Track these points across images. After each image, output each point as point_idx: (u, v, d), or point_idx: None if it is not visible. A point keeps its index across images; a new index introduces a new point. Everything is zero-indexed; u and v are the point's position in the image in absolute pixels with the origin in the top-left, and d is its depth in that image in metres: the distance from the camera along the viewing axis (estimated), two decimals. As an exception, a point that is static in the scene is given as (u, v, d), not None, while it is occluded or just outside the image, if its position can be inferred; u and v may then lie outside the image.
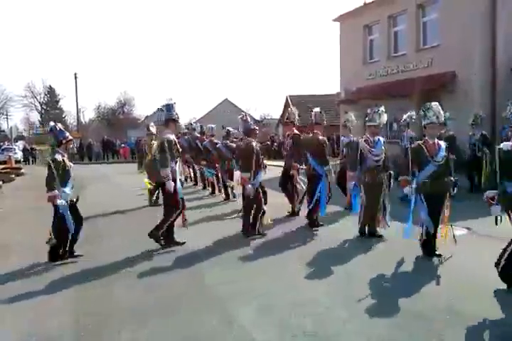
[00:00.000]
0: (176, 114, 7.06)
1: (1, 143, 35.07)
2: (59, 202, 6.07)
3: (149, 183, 10.43)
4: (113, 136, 39.04)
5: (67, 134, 6.57)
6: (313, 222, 8.04)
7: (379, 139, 7.17)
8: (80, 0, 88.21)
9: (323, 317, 4.28)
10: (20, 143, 37.94)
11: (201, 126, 14.48)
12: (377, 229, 7.19)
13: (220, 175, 12.12)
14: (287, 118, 9.47)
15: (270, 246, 6.97)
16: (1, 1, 70.55)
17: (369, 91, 19.96)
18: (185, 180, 16.24)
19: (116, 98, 58.21)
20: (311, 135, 8.22)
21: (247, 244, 7.07)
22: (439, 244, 6.01)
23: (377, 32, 20.89)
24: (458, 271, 5.47)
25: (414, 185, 5.97)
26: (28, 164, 31.94)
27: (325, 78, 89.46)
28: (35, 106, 57.81)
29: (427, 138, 6.05)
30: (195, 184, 14.98)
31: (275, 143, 31.68)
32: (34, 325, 4.34)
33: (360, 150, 7.04)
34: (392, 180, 7.49)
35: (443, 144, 6.05)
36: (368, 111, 7.22)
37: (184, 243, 6.99)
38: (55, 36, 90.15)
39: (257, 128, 8.06)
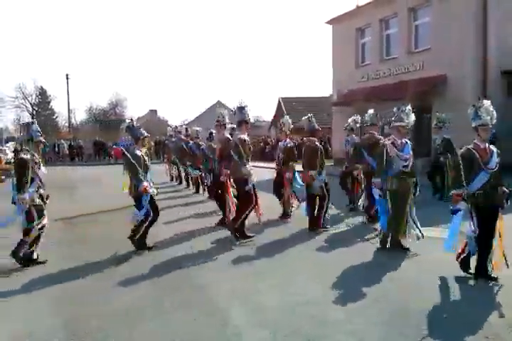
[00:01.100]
0: (248, 115, 7.51)
1: (-9, 144, 34.77)
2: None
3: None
4: (105, 138, 38.83)
5: (143, 131, 7.00)
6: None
7: (407, 142, 6.52)
8: (72, 0, 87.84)
9: (315, 317, 4.30)
10: (11, 145, 37.62)
11: (186, 129, 15.59)
12: (404, 240, 6.47)
13: (203, 174, 12.60)
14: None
15: (264, 246, 6.97)
16: (-8, 1, 70.03)
17: (361, 93, 20.06)
18: (171, 179, 16.72)
19: (108, 99, 58.07)
20: (367, 135, 8.68)
21: (241, 244, 7.08)
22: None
23: (369, 35, 21.03)
24: (452, 273, 5.52)
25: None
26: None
27: (317, 80, 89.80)
28: (26, 107, 57.37)
29: (476, 141, 5.27)
30: (180, 183, 16.08)
31: (268, 146, 31.80)
32: (24, 327, 4.30)
33: (387, 154, 6.34)
34: (418, 187, 6.73)
35: (495, 149, 5.30)
36: (394, 110, 6.54)
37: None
38: (47, 36, 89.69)
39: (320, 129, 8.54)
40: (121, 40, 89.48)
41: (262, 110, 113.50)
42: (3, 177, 19.81)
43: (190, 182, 14.76)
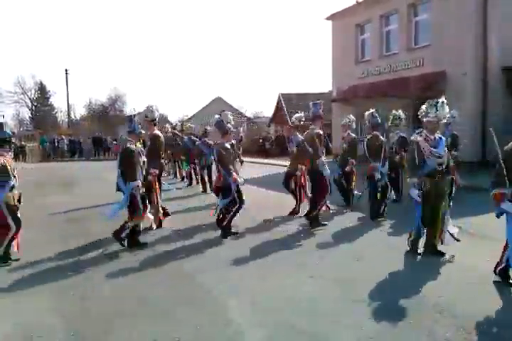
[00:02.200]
0: (322, 111, 8.07)
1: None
2: None
3: None
4: (104, 133, 38.79)
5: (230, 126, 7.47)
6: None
7: (441, 138, 6.01)
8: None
9: (316, 316, 4.31)
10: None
11: (181, 125, 16.79)
12: (439, 245, 6.11)
13: (198, 169, 13.60)
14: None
15: (264, 244, 6.98)
16: (-10, -4, 69.71)
17: (361, 90, 20.07)
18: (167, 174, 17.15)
19: (108, 95, 57.92)
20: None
21: (240, 242, 7.11)
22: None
23: (369, 31, 20.97)
24: (454, 269, 5.55)
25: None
26: (18, 161, 31.65)
27: (317, 76, 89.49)
28: (26, 102, 57.29)
29: None
30: (175, 177, 16.87)
31: (267, 142, 31.77)
32: (19, 326, 4.29)
33: (420, 152, 5.88)
34: (454, 187, 6.45)
35: None
36: (426, 104, 6.03)
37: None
38: (46, 31, 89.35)
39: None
40: (121, 35, 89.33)
41: (262, 106, 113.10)
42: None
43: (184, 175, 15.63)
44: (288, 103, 35.54)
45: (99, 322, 4.32)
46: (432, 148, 5.82)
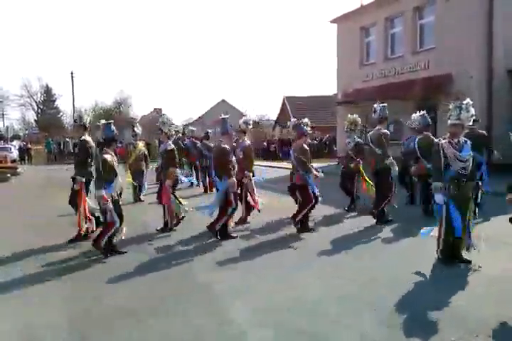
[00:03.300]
0: (387, 113, 8.45)
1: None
2: None
3: (132, 182, 11.61)
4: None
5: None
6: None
7: (466, 141, 5.80)
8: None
9: (317, 316, 4.29)
10: (16, 143, 37.81)
11: (183, 128, 17.44)
12: (463, 252, 5.87)
13: (198, 169, 14.14)
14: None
15: (265, 245, 6.98)
16: (-3, -1, 70.22)
17: (366, 92, 20.03)
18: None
19: (113, 97, 58.11)
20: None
21: (240, 243, 7.10)
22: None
23: (374, 34, 20.97)
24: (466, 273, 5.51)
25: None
26: (24, 163, 31.80)
27: (322, 79, 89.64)
28: (32, 105, 57.61)
29: None
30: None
31: (272, 145, 31.77)
32: (23, 324, 4.30)
33: (444, 155, 5.69)
34: (479, 192, 6.27)
35: None
36: (450, 106, 5.80)
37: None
38: (52, 35, 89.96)
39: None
40: (126, 38, 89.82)
41: (267, 109, 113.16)
42: (8, 175, 19.89)
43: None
44: (292, 106, 35.56)
45: (101, 322, 4.32)
46: (455, 152, 5.64)
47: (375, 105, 8.61)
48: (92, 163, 7.28)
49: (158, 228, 8.03)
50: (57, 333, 4.12)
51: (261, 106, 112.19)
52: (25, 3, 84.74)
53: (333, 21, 22.98)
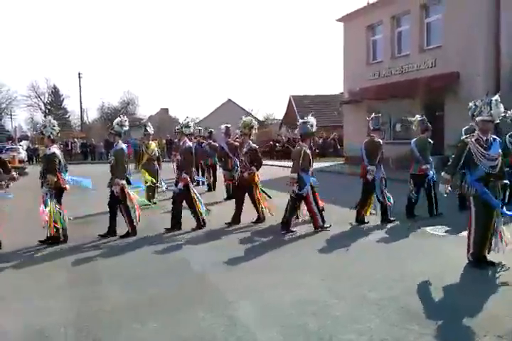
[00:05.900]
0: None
1: (6, 143, 35.16)
2: None
3: (146, 181, 10.67)
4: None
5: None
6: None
7: (495, 138, 5.56)
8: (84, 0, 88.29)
9: (325, 316, 4.28)
10: (24, 143, 38.06)
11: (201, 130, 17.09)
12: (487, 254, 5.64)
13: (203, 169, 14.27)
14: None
15: (270, 244, 6.98)
16: (5, 0, 70.72)
17: (372, 91, 19.97)
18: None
19: (120, 98, 58.32)
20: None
21: (250, 243, 7.10)
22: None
23: (380, 32, 20.90)
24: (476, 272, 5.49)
25: None
26: (32, 163, 32.01)
27: (328, 78, 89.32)
28: (39, 106, 57.90)
29: None
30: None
31: (278, 144, 31.74)
32: (28, 324, 4.30)
33: (470, 153, 5.45)
34: (508, 192, 6.06)
35: None
36: (477, 103, 5.55)
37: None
38: (59, 36, 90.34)
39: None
40: (133, 38, 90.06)
41: (273, 108, 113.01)
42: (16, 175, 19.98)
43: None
44: (299, 105, 35.49)
45: (107, 322, 4.33)
46: (483, 150, 5.41)
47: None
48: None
49: (166, 227, 8.05)
50: (63, 332, 4.12)
51: (267, 105, 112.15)
52: (33, 4, 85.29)
53: (340, 20, 22.94)
